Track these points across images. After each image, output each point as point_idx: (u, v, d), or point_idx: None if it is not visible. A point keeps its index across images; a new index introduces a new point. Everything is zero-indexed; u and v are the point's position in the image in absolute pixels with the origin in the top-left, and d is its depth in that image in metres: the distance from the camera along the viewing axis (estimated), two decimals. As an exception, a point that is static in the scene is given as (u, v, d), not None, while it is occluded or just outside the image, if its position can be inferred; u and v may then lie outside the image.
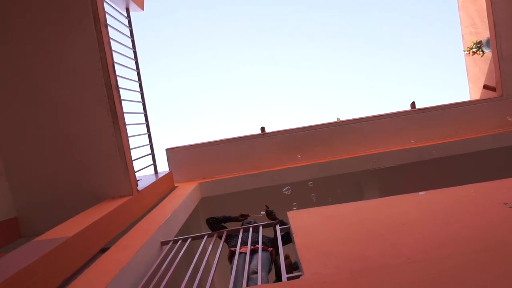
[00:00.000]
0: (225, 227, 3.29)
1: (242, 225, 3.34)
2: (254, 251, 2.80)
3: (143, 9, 5.14)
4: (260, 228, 3.15)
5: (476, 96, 6.43)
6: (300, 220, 2.92)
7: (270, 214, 3.24)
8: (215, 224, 3.28)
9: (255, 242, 2.92)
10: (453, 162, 5.48)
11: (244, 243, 2.91)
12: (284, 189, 4.61)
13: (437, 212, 2.71)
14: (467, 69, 6.67)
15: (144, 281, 2.49)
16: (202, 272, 2.56)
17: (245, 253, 2.72)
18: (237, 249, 2.78)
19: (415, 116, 5.73)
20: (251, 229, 3.10)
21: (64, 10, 3.53)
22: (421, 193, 3.17)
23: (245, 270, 2.39)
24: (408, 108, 5.84)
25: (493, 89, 5.74)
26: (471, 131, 5.59)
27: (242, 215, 3.42)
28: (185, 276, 2.50)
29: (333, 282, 1.78)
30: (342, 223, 2.75)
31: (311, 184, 3.36)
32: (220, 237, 3.18)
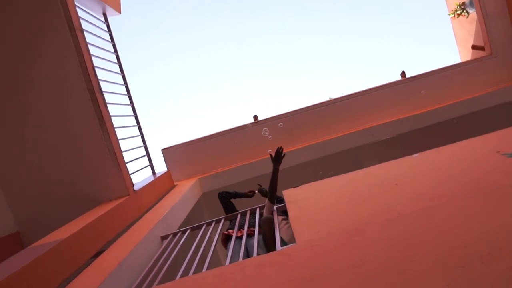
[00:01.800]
0: (233, 205, 3.48)
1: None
2: (250, 235, 2.79)
3: (120, 12, 5.11)
4: (257, 210, 3.13)
5: (467, 58, 6.35)
6: (295, 196, 2.89)
7: (261, 192, 3.31)
8: (227, 199, 3.50)
9: (252, 225, 2.91)
10: (450, 126, 5.42)
11: (241, 227, 2.90)
12: (263, 131, 4.70)
13: (430, 170, 2.67)
14: (454, 33, 6.59)
15: (143, 273, 2.48)
16: (200, 259, 2.55)
17: (241, 237, 2.71)
18: (234, 233, 2.76)
19: (407, 85, 5.68)
20: (248, 212, 3.08)
21: (38, 19, 3.52)
22: (414, 155, 3.14)
23: (241, 252, 2.37)
24: (399, 78, 5.78)
25: (481, 48, 5.66)
26: (465, 92, 5.52)
27: (250, 191, 3.71)
28: (188, 264, 2.49)
29: (323, 244, 1.76)
30: (336, 193, 2.72)
31: (281, 125, 3.40)
32: (219, 222, 3.18)
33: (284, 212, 3.08)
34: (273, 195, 3.14)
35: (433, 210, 1.80)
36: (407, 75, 5.73)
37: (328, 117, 5.67)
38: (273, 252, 1.91)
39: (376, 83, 5.97)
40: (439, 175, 2.51)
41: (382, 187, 2.52)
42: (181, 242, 2.95)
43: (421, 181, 2.45)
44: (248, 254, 2.55)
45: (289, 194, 2.99)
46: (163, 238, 3.25)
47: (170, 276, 2.51)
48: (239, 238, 2.77)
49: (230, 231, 2.89)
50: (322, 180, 3.17)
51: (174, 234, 3.23)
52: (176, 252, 2.78)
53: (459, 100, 5.35)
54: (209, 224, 3.23)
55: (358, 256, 1.53)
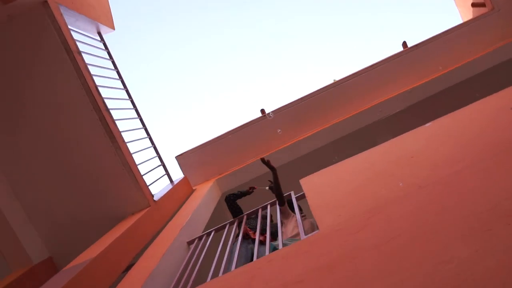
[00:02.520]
0: (240, 207, 3.48)
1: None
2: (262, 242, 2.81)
3: (114, 29, 5.15)
4: (268, 207, 3.15)
5: (468, 18, 6.18)
6: (312, 183, 2.89)
7: (272, 189, 3.34)
8: (234, 201, 3.52)
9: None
10: (459, 90, 5.30)
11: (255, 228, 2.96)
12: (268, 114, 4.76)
13: (445, 137, 2.62)
14: (451, -7, 6.41)
15: (174, 280, 2.52)
16: (227, 259, 2.57)
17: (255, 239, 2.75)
18: (257, 236, 2.73)
19: (410, 55, 5.57)
20: (260, 212, 3.11)
21: (35, 47, 3.58)
22: (427, 124, 3.09)
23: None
24: (401, 49, 5.67)
25: (482, 4, 5.51)
26: (470, 53, 5.38)
27: (251, 188, 3.73)
28: (216, 265, 2.52)
29: (346, 227, 1.75)
30: (352, 174, 2.70)
31: (279, 131, 3.39)
32: (240, 223, 3.20)
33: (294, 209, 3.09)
34: (281, 198, 3.19)
35: (453, 177, 1.77)
36: (409, 45, 5.62)
37: (335, 100, 5.61)
38: (298, 242, 1.91)
39: (378, 57, 5.86)
40: (454, 141, 2.46)
41: (397, 162, 2.49)
42: (207, 245, 2.98)
43: (437, 150, 2.40)
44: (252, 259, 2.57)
45: (306, 182, 2.99)
46: (189, 243, 3.29)
47: (201, 279, 2.55)
48: (248, 241, 2.80)
49: (251, 232, 2.90)
50: (337, 163, 3.15)
51: (199, 238, 3.27)
52: (204, 255, 2.82)
53: (465, 62, 5.23)
54: (232, 223, 3.25)
55: (383, 234, 1.52)
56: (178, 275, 2.59)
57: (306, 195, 2.69)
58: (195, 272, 2.53)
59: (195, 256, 2.84)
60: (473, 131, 2.43)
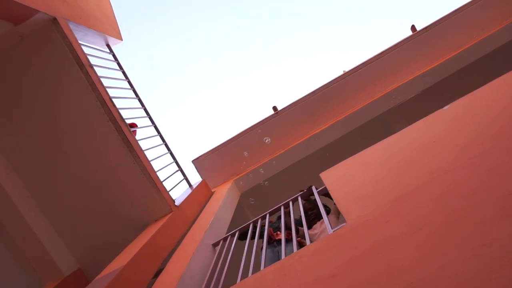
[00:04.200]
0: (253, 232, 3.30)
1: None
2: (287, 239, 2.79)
3: (121, 39, 5.21)
4: (290, 204, 3.13)
5: (476, -5, 6.03)
6: (333, 176, 2.87)
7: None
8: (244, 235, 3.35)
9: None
10: (474, 69, 5.19)
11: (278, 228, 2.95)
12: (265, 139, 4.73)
13: (465, 118, 2.57)
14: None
15: (204, 282, 2.53)
16: (255, 258, 2.57)
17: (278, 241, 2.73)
18: (282, 237, 2.70)
19: (420, 39, 5.46)
20: (283, 213, 3.10)
21: (50, 66, 3.64)
22: (445, 107, 3.03)
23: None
24: (409, 33, 5.57)
25: (490, -20, 5.36)
26: (482, 31, 5.25)
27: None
28: (245, 265, 2.52)
29: (375, 217, 1.73)
30: (373, 163, 2.67)
31: (268, 140, 3.30)
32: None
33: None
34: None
35: (479, 159, 1.73)
36: (418, 28, 5.52)
37: (347, 91, 5.55)
38: (326, 237, 1.90)
39: (388, 42, 5.76)
40: (476, 121, 2.41)
41: (419, 147, 2.45)
42: (233, 246, 2.99)
43: (458, 132, 2.36)
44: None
45: (327, 175, 2.97)
46: (214, 245, 3.30)
47: (231, 279, 2.56)
48: (273, 244, 2.79)
49: (275, 233, 2.89)
50: (357, 154, 3.12)
51: (224, 239, 3.28)
52: (231, 256, 2.83)
53: (479, 40, 5.11)
54: (255, 222, 3.25)
55: (414, 222, 1.50)
56: (207, 277, 2.61)
57: (328, 188, 2.67)
58: (224, 273, 2.54)
59: (222, 258, 2.85)
60: (495, 110, 2.37)
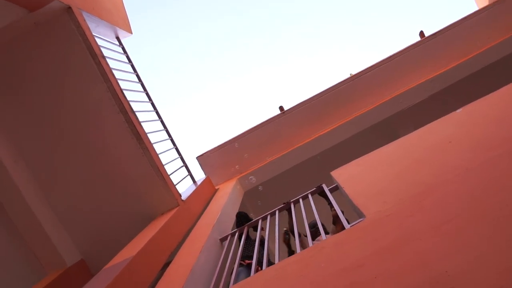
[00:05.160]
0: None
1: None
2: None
3: (131, 33, 5.20)
4: (268, 218, 3.12)
5: (484, 4, 6.10)
6: (345, 174, 2.88)
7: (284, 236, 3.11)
8: (243, 221, 3.43)
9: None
10: (481, 76, 5.23)
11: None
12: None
13: (480, 120, 2.59)
14: (465, -19, 6.33)
15: (215, 275, 2.52)
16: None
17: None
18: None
19: (428, 44, 5.51)
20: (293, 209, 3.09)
21: (63, 54, 3.62)
22: (458, 110, 3.06)
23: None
24: (418, 39, 5.62)
25: (499, -11, 5.42)
26: (490, 39, 5.31)
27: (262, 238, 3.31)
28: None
29: (397, 212, 1.74)
30: (387, 163, 2.68)
31: (260, 188, 3.28)
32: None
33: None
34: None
35: (502, 158, 1.74)
36: (426, 34, 5.56)
37: (354, 93, 5.59)
38: (346, 230, 1.90)
39: (395, 47, 5.80)
40: (491, 123, 2.43)
41: (435, 147, 2.46)
42: (242, 241, 2.98)
43: (475, 133, 2.38)
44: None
45: (339, 173, 2.98)
46: (222, 240, 3.30)
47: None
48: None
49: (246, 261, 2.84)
50: (369, 153, 3.13)
51: (232, 235, 3.27)
52: (240, 251, 2.82)
53: (486, 47, 5.16)
54: (264, 218, 3.25)
55: (440, 216, 1.50)
56: (218, 270, 2.60)
57: (341, 185, 2.68)
58: (235, 267, 2.53)
59: (231, 252, 2.84)
60: (509, 115, 2.39)
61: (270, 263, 2.54)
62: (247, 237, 3.13)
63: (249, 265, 2.63)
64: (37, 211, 3.75)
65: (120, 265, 2.44)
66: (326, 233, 2.73)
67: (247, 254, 2.88)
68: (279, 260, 2.30)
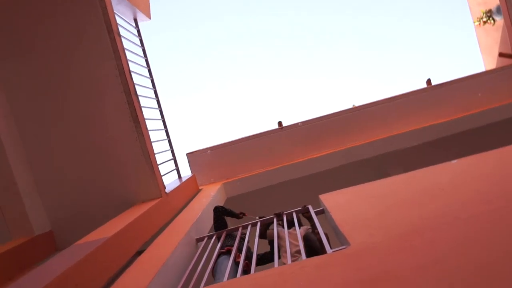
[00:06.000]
0: (226, 222, 3.35)
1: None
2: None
3: (150, 18, 5.20)
4: (284, 218, 3.13)
5: (491, 66, 6.31)
6: (333, 200, 2.89)
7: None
8: (223, 214, 3.39)
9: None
10: (476, 134, 5.37)
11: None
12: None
13: (474, 175, 2.65)
14: (478, 40, 6.56)
15: (184, 277, 2.48)
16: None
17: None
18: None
19: (432, 93, 5.65)
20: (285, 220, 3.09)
21: (79, 23, 3.60)
22: (453, 161, 3.11)
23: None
24: (424, 86, 5.76)
25: (510, 56, 5.63)
26: (491, 101, 5.47)
27: (241, 213, 3.58)
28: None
29: (383, 247, 1.75)
30: (376, 197, 2.71)
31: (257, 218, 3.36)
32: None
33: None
34: (229, 214, 3.42)
35: (494, 213, 1.78)
36: (433, 83, 5.71)
37: (352, 124, 5.66)
38: (329, 254, 1.90)
39: (400, 91, 5.91)
40: (483, 179, 2.48)
41: (427, 192, 2.50)
42: (218, 246, 2.95)
43: (468, 185, 2.42)
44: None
45: (327, 198, 2.99)
46: (198, 240, 3.25)
47: (210, 277, 2.52)
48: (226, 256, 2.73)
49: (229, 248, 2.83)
50: (358, 185, 3.16)
51: (209, 237, 3.23)
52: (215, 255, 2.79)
53: (487, 108, 5.31)
54: (245, 227, 3.23)
55: (426, 257, 1.52)
56: (189, 270, 2.56)
57: (328, 210, 2.68)
58: (208, 269, 2.50)
59: (206, 254, 2.81)
60: (505, 175, 2.45)
61: (250, 252, 2.71)
62: (228, 234, 3.14)
63: (230, 252, 2.70)
64: (16, 171, 3.66)
65: (94, 243, 2.38)
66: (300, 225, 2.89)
67: (227, 244, 2.89)
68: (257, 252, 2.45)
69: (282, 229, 2.91)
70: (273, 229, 3.00)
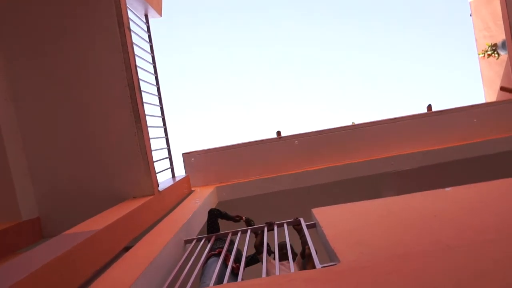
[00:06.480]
0: (219, 225, 3.32)
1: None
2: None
3: (161, 15, 5.23)
4: (275, 228, 3.12)
5: (492, 99, 6.39)
6: (326, 215, 2.89)
7: (248, 222, 3.35)
8: (217, 217, 3.35)
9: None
10: (471, 164, 5.41)
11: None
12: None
13: (468, 204, 2.66)
14: (481, 73, 6.66)
15: (170, 278, 2.46)
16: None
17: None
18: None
19: (432, 119, 5.71)
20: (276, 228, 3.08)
21: (90, 13, 3.61)
22: (447, 189, 3.13)
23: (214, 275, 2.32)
24: (425, 111, 5.81)
25: (510, 90, 5.71)
26: (489, 133, 5.53)
27: (238, 216, 3.50)
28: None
29: (374, 266, 1.75)
30: (370, 216, 2.71)
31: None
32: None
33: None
34: (225, 217, 3.38)
35: (486, 245, 1.79)
36: (433, 109, 5.77)
37: (351, 142, 5.69)
38: (318, 269, 1.90)
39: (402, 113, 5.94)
40: (477, 209, 2.50)
41: (420, 216, 2.51)
42: (206, 250, 2.93)
43: (460, 214, 2.43)
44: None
45: (320, 212, 2.99)
46: (187, 242, 3.23)
47: (196, 281, 2.50)
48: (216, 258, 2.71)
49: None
50: (352, 203, 3.16)
51: (198, 240, 3.21)
52: (203, 258, 2.77)
53: (485, 139, 5.36)
54: (234, 233, 3.21)
55: (416, 283, 1.52)
56: (175, 271, 2.54)
57: (320, 224, 2.68)
58: (195, 272, 2.48)
59: (194, 256, 2.79)
60: (498, 207, 2.47)
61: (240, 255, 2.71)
62: (218, 238, 3.13)
63: (220, 253, 2.68)
64: (10, 155, 3.63)
65: (83, 234, 2.36)
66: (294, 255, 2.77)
67: (218, 247, 2.88)
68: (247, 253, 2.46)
69: (273, 261, 2.68)
70: (262, 254, 2.83)
